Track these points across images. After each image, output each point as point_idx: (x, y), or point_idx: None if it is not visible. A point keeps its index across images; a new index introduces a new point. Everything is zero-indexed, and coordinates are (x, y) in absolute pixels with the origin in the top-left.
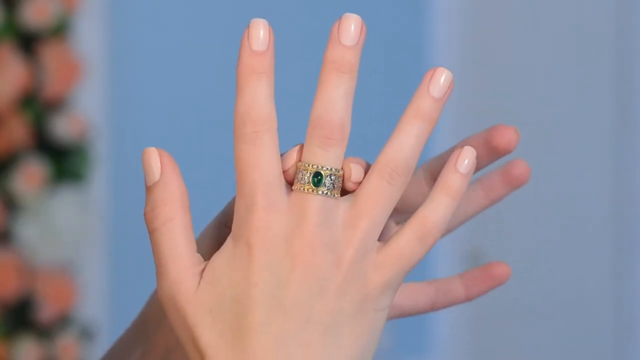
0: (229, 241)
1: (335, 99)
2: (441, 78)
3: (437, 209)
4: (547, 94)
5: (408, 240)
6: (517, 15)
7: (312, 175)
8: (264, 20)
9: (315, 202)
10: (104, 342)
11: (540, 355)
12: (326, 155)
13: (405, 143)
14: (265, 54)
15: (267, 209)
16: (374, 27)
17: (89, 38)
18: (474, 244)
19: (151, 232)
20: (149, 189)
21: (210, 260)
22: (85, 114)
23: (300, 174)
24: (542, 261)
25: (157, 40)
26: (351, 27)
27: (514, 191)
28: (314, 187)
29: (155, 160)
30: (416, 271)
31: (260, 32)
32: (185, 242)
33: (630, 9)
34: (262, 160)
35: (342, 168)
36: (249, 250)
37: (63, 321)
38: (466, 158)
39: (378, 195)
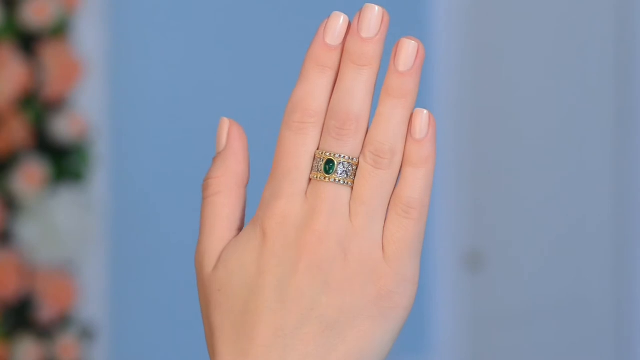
0: (248, 225)
1: (351, 91)
2: (406, 50)
3: (405, 183)
4: (547, 94)
5: (395, 222)
6: (517, 15)
7: (324, 162)
8: (345, 15)
9: (327, 190)
10: (104, 342)
11: (540, 355)
12: (339, 145)
13: (383, 126)
14: (336, 50)
15: (289, 197)
16: None
17: (89, 38)
18: (474, 245)
19: (202, 199)
20: (213, 159)
21: (229, 242)
22: (85, 114)
23: (316, 162)
24: (542, 261)
25: (157, 40)
26: (371, 18)
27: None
28: (325, 175)
29: (224, 131)
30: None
31: (337, 27)
32: (225, 217)
33: (630, 9)
34: (300, 151)
35: (358, 157)
36: (263, 236)
37: (63, 321)
38: (418, 123)
39: (369, 181)
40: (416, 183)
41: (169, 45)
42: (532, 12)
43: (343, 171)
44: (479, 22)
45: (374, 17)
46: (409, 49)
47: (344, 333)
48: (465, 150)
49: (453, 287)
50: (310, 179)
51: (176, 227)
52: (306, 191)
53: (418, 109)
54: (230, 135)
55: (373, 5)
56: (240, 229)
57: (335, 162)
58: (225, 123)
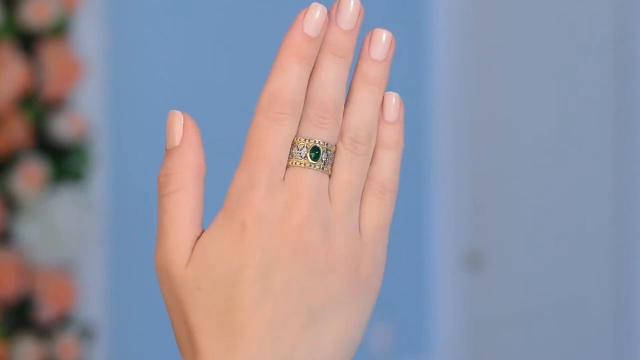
0: (220, 217)
1: (331, 81)
2: (381, 40)
3: (380, 165)
4: (547, 95)
5: (371, 205)
6: (517, 15)
7: (310, 150)
8: (324, 7)
9: (310, 176)
10: (104, 342)
11: (540, 355)
12: (323, 132)
13: (360, 112)
14: (315, 41)
15: (268, 188)
16: (374, 26)
17: (89, 38)
18: (474, 245)
19: (160, 197)
20: (167, 154)
21: (202, 236)
22: (85, 114)
23: (297, 149)
24: (542, 261)
25: (157, 40)
26: (350, 11)
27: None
28: (312, 162)
29: (179, 125)
30: (416, 272)
31: (317, 18)
32: (190, 213)
33: (631, 9)
34: (278, 140)
35: (335, 145)
36: (243, 229)
37: (63, 321)
38: (391, 107)
39: (349, 166)
40: (390, 165)
41: (169, 46)
42: (532, 12)
43: (327, 158)
44: (479, 22)
45: (352, 9)
46: (384, 39)
47: (332, 321)
48: (465, 150)
49: (453, 287)
50: (287, 167)
51: None
52: (284, 179)
53: (388, 93)
54: (187, 129)
55: None
56: (201, 224)
57: (321, 149)
58: (179, 116)
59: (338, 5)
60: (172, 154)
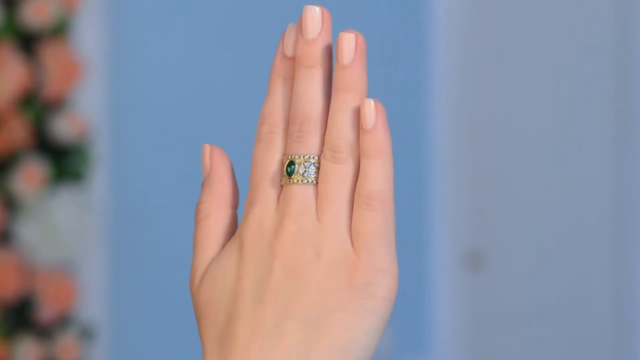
0: (231, 238)
1: (304, 93)
2: (344, 45)
3: (364, 175)
4: (547, 95)
5: (359, 216)
6: (517, 15)
7: (287, 165)
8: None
9: (294, 191)
10: (104, 342)
11: (540, 355)
12: (299, 146)
13: (336, 121)
14: (293, 59)
15: (262, 205)
16: (375, 26)
17: (89, 38)
18: (474, 245)
19: (194, 224)
20: (202, 184)
21: (216, 256)
22: (85, 114)
23: (283, 167)
24: (542, 261)
25: (157, 40)
26: (311, 19)
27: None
28: (288, 177)
29: (207, 157)
30: (415, 272)
31: (293, 37)
32: (215, 237)
33: (631, 9)
34: (270, 159)
35: (318, 154)
36: (240, 245)
37: (63, 321)
38: (366, 114)
39: (330, 177)
40: (374, 174)
41: (169, 46)
42: (532, 12)
43: (305, 171)
44: (479, 22)
45: (313, 18)
46: (347, 42)
47: (324, 328)
48: (465, 150)
49: (453, 287)
50: (282, 186)
51: (176, 227)
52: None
53: (365, 100)
54: (213, 161)
55: (312, 6)
56: None
57: (296, 163)
58: (207, 149)
59: (300, 17)
60: (204, 185)
